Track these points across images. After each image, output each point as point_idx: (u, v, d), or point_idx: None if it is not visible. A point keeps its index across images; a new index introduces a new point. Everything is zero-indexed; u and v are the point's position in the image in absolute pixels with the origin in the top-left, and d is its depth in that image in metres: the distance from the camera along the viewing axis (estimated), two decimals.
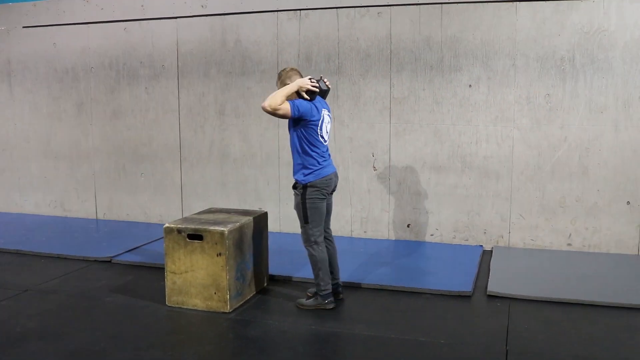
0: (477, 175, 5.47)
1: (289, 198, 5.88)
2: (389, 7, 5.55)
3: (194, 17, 6.19)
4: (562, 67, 5.15)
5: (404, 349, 3.33)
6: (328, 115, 3.96)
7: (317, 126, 3.81)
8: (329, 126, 3.96)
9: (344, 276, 4.44)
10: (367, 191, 5.81)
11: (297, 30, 5.85)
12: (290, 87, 3.75)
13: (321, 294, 3.93)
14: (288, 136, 4.01)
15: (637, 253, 5.16)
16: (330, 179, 3.93)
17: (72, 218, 6.92)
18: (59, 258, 5.28)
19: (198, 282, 3.93)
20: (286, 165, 5.90)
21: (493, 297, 4.16)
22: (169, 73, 6.37)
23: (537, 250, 5.32)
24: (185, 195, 6.49)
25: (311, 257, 3.92)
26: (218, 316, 3.85)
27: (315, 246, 3.89)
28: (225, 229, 3.84)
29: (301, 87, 3.75)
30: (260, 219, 4.39)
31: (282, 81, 3.88)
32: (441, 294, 4.23)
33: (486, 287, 4.30)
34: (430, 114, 5.53)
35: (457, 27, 5.37)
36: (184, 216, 6.35)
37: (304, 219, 3.86)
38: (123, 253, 5.33)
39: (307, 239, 3.90)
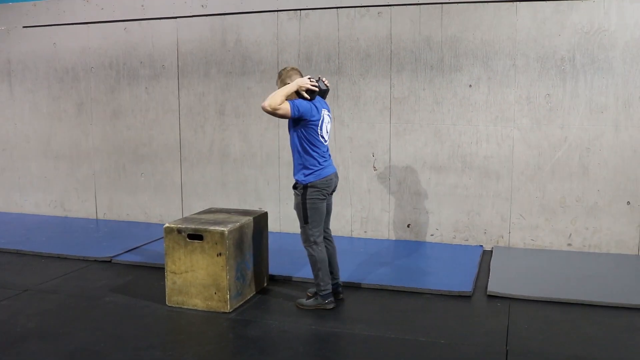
0: (477, 175, 5.47)
1: (289, 198, 5.88)
2: (389, 7, 5.55)
3: (194, 17, 6.19)
4: (563, 67, 5.15)
5: (404, 349, 3.33)
6: (328, 115, 3.95)
7: (317, 126, 3.81)
8: (329, 126, 3.96)
9: (344, 276, 4.44)
10: (367, 191, 5.81)
11: (297, 30, 5.85)
12: (290, 87, 3.74)
13: (321, 294, 3.93)
14: (288, 136, 4.01)
15: (637, 253, 5.16)
16: (331, 179, 3.93)
17: (72, 218, 6.92)
18: (59, 258, 5.28)
19: (198, 282, 3.93)
20: (286, 165, 5.90)
21: (493, 297, 4.16)
22: (169, 73, 6.37)
23: (537, 250, 5.32)
24: (186, 195, 6.49)
25: (311, 257, 3.92)
26: (218, 316, 3.85)
27: (314, 246, 3.89)
28: (225, 229, 3.84)
29: (301, 86, 3.74)
30: (260, 219, 4.39)
31: (282, 80, 3.88)
32: (441, 294, 4.23)
33: (486, 287, 4.30)
34: (430, 114, 5.53)
35: (457, 27, 5.37)
36: (184, 216, 6.35)
37: (304, 219, 3.86)
38: (123, 253, 5.33)
39: (307, 239, 3.90)
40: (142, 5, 6.36)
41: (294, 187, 3.92)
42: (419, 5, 5.46)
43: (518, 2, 5.20)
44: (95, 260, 5.18)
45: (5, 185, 7.28)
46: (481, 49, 5.33)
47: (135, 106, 6.56)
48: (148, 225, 6.50)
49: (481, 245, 5.50)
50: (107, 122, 6.71)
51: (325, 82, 3.91)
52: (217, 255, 3.86)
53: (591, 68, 5.08)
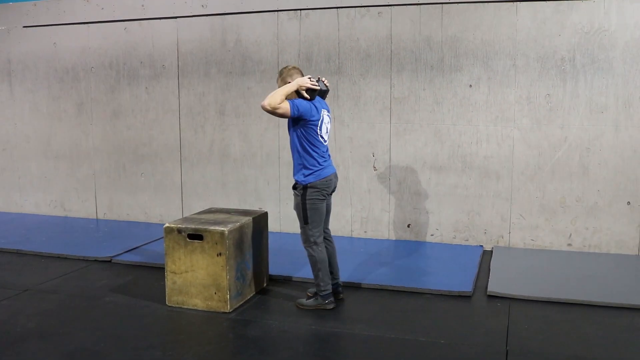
0: (477, 175, 5.47)
1: (289, 198, 5.88)
2: (390, 7, 5.54)
3: (194, 17, 6.19)
4: (563, 67, 5.15)
5: (404, 349, 3.33)
6: (328, 115, 3.95)
7: (317, 126, 3.81)
8: (328, 126, 3.96)
9: (344, 276, 4.44)
10: (368, 191, 5.81)
11: (298, 30, 5.85)
12: (290, 86, 3.74)
13: (321, 294, 3.93)
14: (288, 136, 4.00)
15: (637, 253, 5.16)
16: (331, 179, 3.92)
17: (72, 218, 6.93)
18: (59, 258, 5.28)
19: (198, 282, 3.93)
20: (286, 165, 5.91)
21: (493, 297, 4.16)
22: (169, 73, 6.37)
23: (538, 250, 5.32)
24: (186, 195, 6.49)
25: (311, 257, 3.92)
26: (218, 316, 3.85)
27: (314, 247, 3.89)
28: (225, 229, 3.84)
29: (301, 86, 3.74)
30: (260, 219, 4.39)
31: (282, 78, 3.88)
32: (441, 294, 4.23)
33: (486, 287, 4.30)
34: (430, 114, 5.53)
35: (457, 27, 5.37)
36: (184, 216, 6.35)
37: (304, 219, 3.86)
38: (123, 253, 5.33)
39: (307, 239, 3.90)
40: (142, 5, 6.36)
41: (294, 188, 3.92)
42: (419, 5, 5.46)
43: (518, 2, 5.20)
44: (95, 260, 5.18)
45: (5, 185, 7.28)
46: (481, 49, 5.33)
47: (135, 106, 6.56)
48: (148, 225, 6.50)
49: (481, 245, 5.50)
50: (107, 122, 6.71)
51: (326, 83, 3.91)
52: (217, 255, 3.86)
53: (591, 68, 5.08)
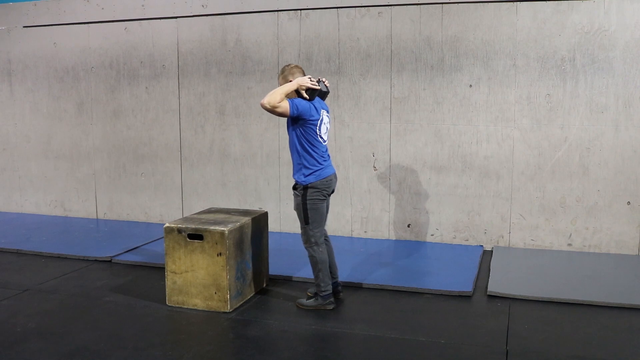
0: (477, 175, 5.47)
1: (289, 198, 5.89)
2: (390, 7, 5.54)
3: (195, 17, 6.19)
4: (563, 67, 5.15)
5: (404, 349, 3.33)
6: (327, 116, 3.95)
7: (316, 126, 3.81)
8: (328, 127, 3.96)
9: (344, 276, 4.45)
10: (368, 191, 5.81)
11: (298, 30, 5.85)
12: (290, 86, 3.74)
13: (321, 294, 3.93)
14: (288, 136, 4.00)
15: (637, 253, 5.16)
16: (331, 180, 3.92)
17: (73, 218, 6.93)
18: (59, 258, 5.28)
19: (198, 281, 3.93)
20: (286, 165, 5.91)
21: (493, 297, 4.16)
22: (170, 73, 6.37)
23: (538, 250, 5.32)
24: (186, 195, 6.50)
25: (311, 258, 3.92)
26: (218, 316, 3.85)
27: (315, 247, 3.89)
28: (225, 229, 3.84)
29: (301, 85, 3.74)
30: (261, 219, 4.38)
31: (284, 76, 3.88)
32: (441, 294, 4.23)
33: (486, 287, 4.30)
34: (430, 114, 5.53)
35: (457, 27, 5.37)
36: (184, 216, 6.36)
37: (305, 219, 3.86)
38: (123, 253, 5.33)
39: (308, 239, 3.90)
40: (143, 5, 6.36)
41: (294, 188, 3.92)
42: (419, 5, 5.46)
43: (518, 2, 5.20)
44: (95, 260, 5.19)
45: (6, 185, 7.28)
46: (481, 49, 5.33)
47: (135, 106, 6.56)
48: (148, 225, 6.51)
49: (481, 245, 5.50)
50: (108, 122, 6.71)
51: (326, 84, 3.91)
52: (217, 255, 3.86)
53: (591, 68, 5.08)
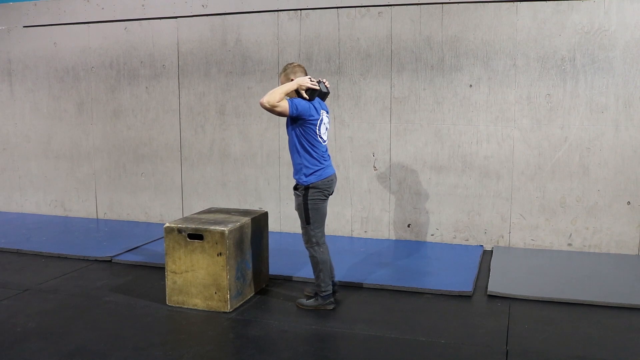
0: (477, 175, 5.47)
1: (290, 198, 5.89)
2: (390, 7, 5.54)
3: (195, 17, 6.19)
4: (563, 67, 5.15)
5: (404, 349, 3.33)
6: (327, 116, 3.95)
7: (316, 125, 3.80)
8: (327, 127, 3.96)
9: (344, 276, 4.45)
10: (368, 191, 5.81)
11: (298, 30, 5.85)
12: (290, 85, 3.74)
13: (322, 294, 3.93)
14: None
15: (637, 253, 5.16)
16: (332, 180, 3.92)
17: (73, 217, 6.93)
18: (59, 258, 5.28)
19: (198, 281, 3.93)
20: (287, 165, 5.91)
21: (493, 297, 4.16)
22: (170, 73, 6.37)
23: (538, 250, 5.32)
24: (186, 195, 6.50)
25: (312, 258, 3.92)
26: (218, 316, 3.85)
27: (316, 247, 3.89)
28: (225, 229, 3.84)
29: (301, 85, 3.74)
30: (261, 219, 4.38)
31: (286, 74, 3.88)
32: (441, 294, 4.23)
33: (486, 287, 4.30)
34: (430, 114, 5.53)
35: (457, 27, 5.37)
36: (184, 216, 6.36)
37: (306, 220, 3.85)
38: (123, 253, 5.33)
39: (309, 240, 3.90)
40: (143, 5, 6.36)
41: (295, 189, 3.92)
42: (419, 5, 5.46)
43: (518, 2, 5.20)
44: (95, 260, 5.19)
45: (6, 185, 7.28)
46: (481, 49, 5.33)
47: (135, 106, 6.57)
48: (148, 225, 6.51)
49: (481, 245, 5.50)
50: (108, 122, 6.71)
51: (326, 84, 3.91)
52: (218, 255, 3.86)
53: (591, 68, 5.08)
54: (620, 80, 5.03)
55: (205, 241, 3.88)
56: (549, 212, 5.32)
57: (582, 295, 4.07)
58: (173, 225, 3.97)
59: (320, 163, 3.85)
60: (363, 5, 5.61)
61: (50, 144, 7.00)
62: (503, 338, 3.45)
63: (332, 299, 3.96)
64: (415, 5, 5.47)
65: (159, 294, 4.23)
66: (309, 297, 4.02)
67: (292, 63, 3.95)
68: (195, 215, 4.31)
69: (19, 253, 5.44)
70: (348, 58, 5.72)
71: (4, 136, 7.21)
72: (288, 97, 3.74)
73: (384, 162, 5.73)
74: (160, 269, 4.76)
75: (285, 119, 3.86)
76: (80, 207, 6.95)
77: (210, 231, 3.86)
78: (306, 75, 3.87)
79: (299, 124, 3.78)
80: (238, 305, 4.01)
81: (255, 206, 6.14)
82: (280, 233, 6.05)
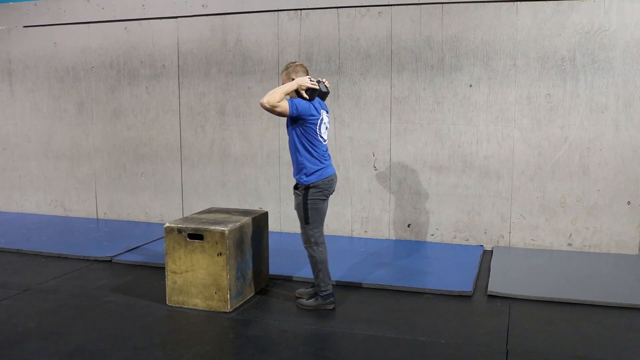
0: (477, 175, 5.47)
1: (290, 198, 5.89)
2: (390, 7, 5.54)
3: (195, 17, 6.19)
4: (563, 67, 5.15)
5: (404, 349, 3.33)
6: (327, 116, 3.95)
7: (316, 125, 3.80)
8: (328, 127, 3.96)
9: (344, 276, 4.45)
10: (368, 191, 5.81)
11: (298, 30, 5.85)
12: (290, 85, 3.74)
13: (322, 294, 3.93)
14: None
15: (637, 253, 5.16)
16: (332, 179, 3.92)
17: (73, 217, 6.93)
18: (59, 257, 5.28)
19: (198, 281, 3.93)
20: (287, 165, 5.91)
21: (493, 297, 4.16)
22: (170, 72, 6.37)
23: (538, 250, 5.32)
24: (186, 195, 6.50)
25: (311, 258, 3.92)
26: (218, 316, 3.85)
27: (315, 247, 3.89)
28: (225, 229, 3.84)
29: (301, 85, 3.74)
30: (261, 219, 4.38)
31: (287, 73, 3.88)
32: (441, 294, 4.23)
33: (487, 287, 4.30)
34: (430, 114, 5.53)
35: (457, 27, 5.37)
36: (184, 216, 6.36)
37: (305, 219, 3.85)
38: (123, 253, 5.33)
39: (308, 239, 3.90)
40: (143, 5, 6.36)
41: (295, 188, 3.92)
42: (419, 5, 5.46)
43: (518, 2, 5.20)
44: (95, 260, 5.19)
45: (6, 185, 7.28)
46: (481, 49, 5.33)
47: (135, 106, 6.57)
48: (148, 225, 6.51)
49: (481, 245, 5.50)
50: (108, 122, 6.71)
51: (326, 84, 3.91)
52: (218, 255, 3.86)
53: (591, 68, 5.08)
54: (620, 80, 5.03)
55: (206, 241, 3.88)
56: (549, 212, 5.32)
57: (582, 295, 4.07)
58: (173, 225, 3.98)
59: (321, 163, 3.85)
60: (363, 5, 5.61)
61: (50, 144, 7.00)
62: (503, 338, 3.45)
63: (332, 299, 3.95)
64: (415, 5, 5.47)
65: (159, 294, 4.23)
66: (309, 297, 4.02)
67: (293, 62, 3.95)
68: (195, 215, 4.31)
69: (19, 253, 5.44)
70: (348, 58, 5.72)
71: (4, 136, 7.21)
72: (288, 97, 3.75)
73: (384, 162, 5.73)
74: (161, 269, 4.76)
75: (285, 118, 3.86)
76: (80, 207, 6.95)
77: (210, 231, 3.86)
78: (308, 74, 3.88)
79: (299, 124, 3.78)
80: (238, 305, 4.01)
81: (255, 206, 6.14)
82: (280, 233, 6.05)
